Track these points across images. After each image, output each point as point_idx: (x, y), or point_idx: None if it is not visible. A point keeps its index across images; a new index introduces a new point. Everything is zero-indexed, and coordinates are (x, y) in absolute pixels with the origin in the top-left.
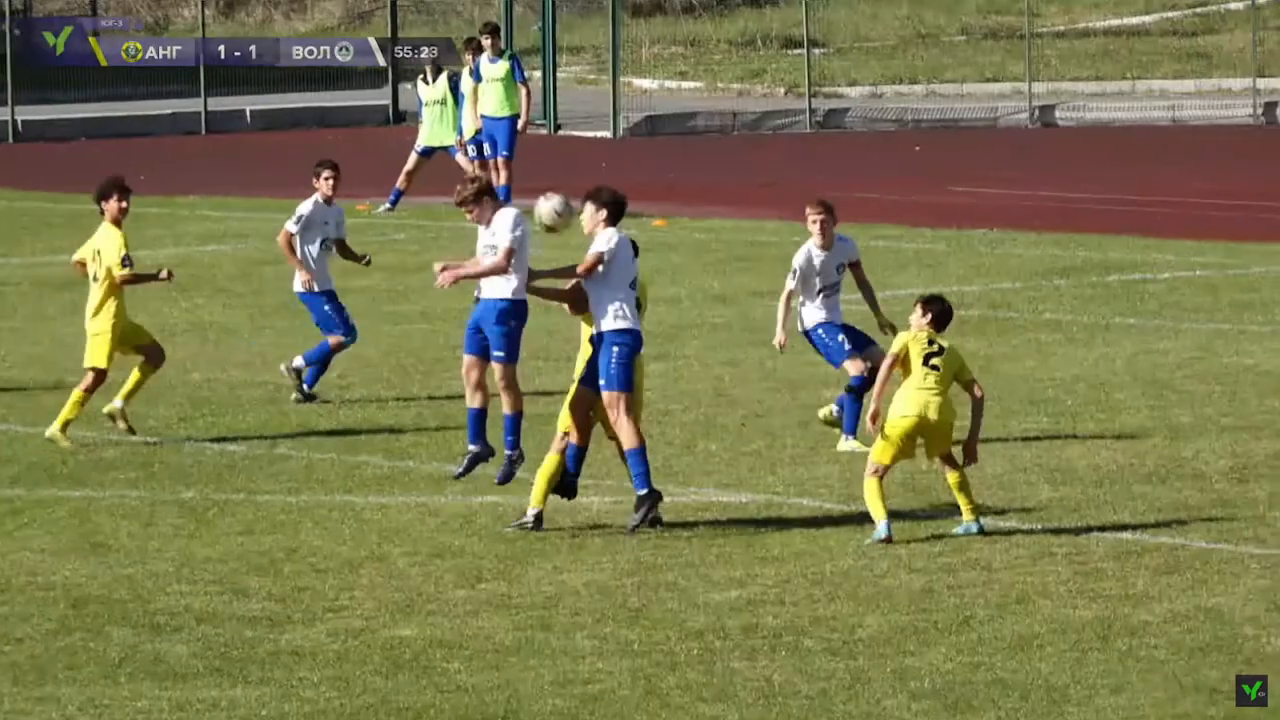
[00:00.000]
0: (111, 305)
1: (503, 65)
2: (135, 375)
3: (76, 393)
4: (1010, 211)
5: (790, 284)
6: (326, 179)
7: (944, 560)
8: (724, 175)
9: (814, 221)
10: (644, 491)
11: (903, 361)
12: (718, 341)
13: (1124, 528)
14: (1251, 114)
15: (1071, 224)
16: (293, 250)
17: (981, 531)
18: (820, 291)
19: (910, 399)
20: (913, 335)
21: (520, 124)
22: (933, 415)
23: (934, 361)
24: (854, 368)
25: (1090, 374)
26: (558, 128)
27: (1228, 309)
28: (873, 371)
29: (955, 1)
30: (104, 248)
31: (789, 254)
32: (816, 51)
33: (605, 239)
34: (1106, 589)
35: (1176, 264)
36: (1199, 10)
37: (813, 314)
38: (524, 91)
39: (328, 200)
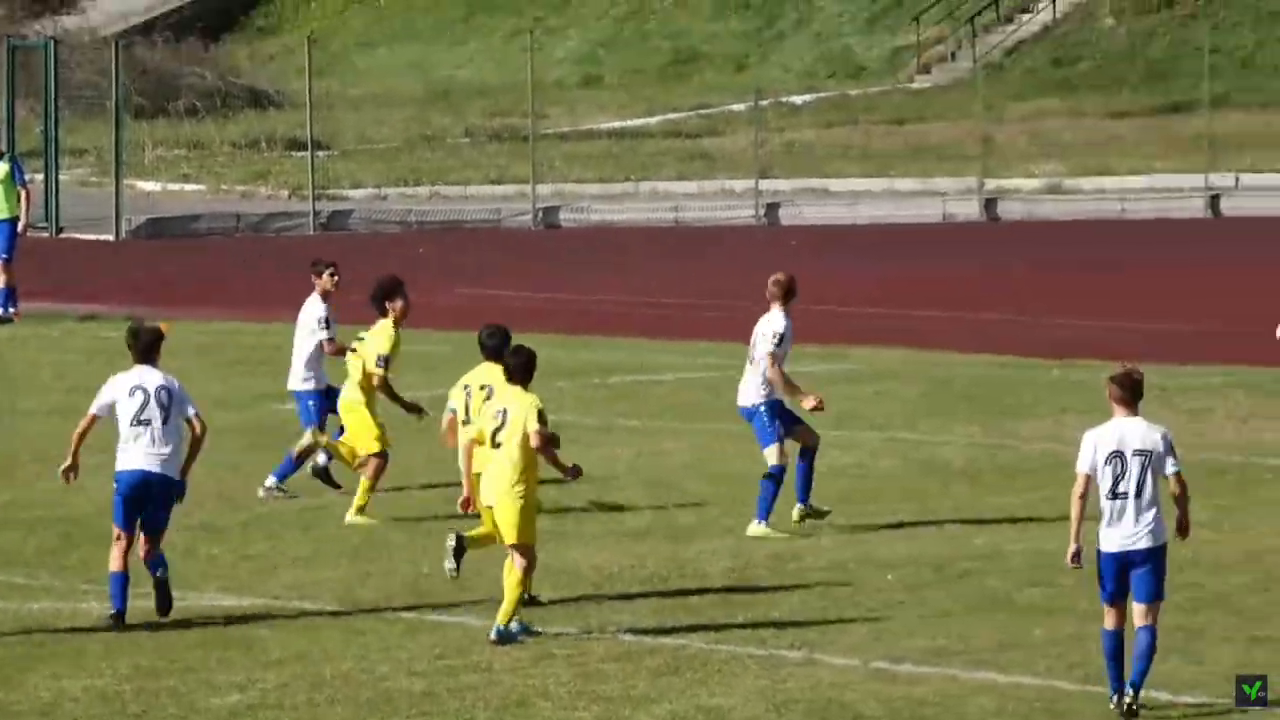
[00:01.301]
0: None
1: (2, 168)
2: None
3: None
4: (516, 313)
5: (777, 349)
6: (333, 276)
7: (445, 663)
8: (227, 277)
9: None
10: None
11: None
12: (220, 445)
13: (625, 629)
14: (754, 214)
15: (575, 325)
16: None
17: (503, 637)
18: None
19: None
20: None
21: (20, 226)
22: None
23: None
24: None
25: (593, 474)
26: (59, 230)
27: (730, 410)
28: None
29: (460, 104)
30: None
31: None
32: (321, 154)
33: None
34: (607, 691)
35: (680, 365)
36: (702, 112)
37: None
38: (24, 194)
39: (325, 296)
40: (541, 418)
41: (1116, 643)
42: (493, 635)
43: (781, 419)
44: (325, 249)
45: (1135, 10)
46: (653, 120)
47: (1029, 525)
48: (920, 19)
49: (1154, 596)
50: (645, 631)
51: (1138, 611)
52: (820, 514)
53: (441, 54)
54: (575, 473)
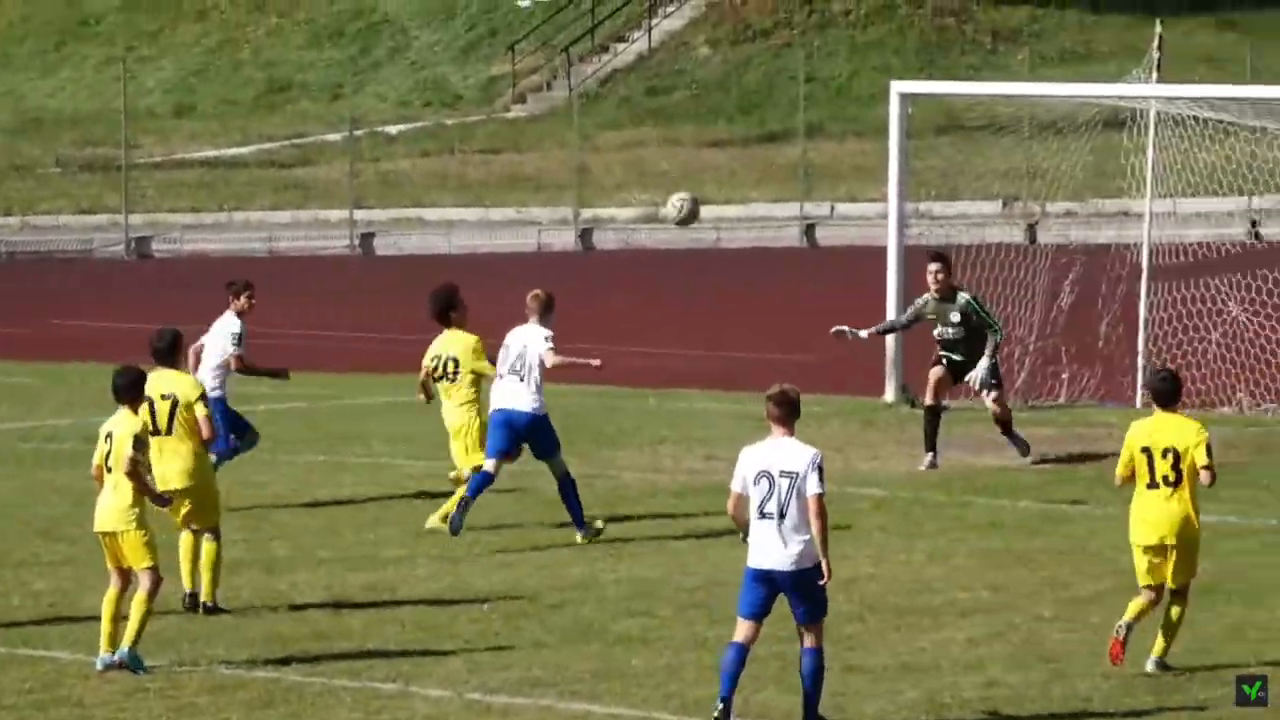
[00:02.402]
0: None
1: None
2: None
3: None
4: (107, 343)
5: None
6: (250, 298)
7: (35, 697)
8: None
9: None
10: None
11: None
12: None
13: (220, 662)
14: (349, 245)
15: None
16: (252, 368)
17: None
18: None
19: None
20: None
21: None
22: None
23: None
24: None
25: None
26: None
27: (325, 441)
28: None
29: (51, 133)
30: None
31: None
32: None
33: None
34: None
35: (270, 396)
36: (296, 141)
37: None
38: None
39: (241, 314)
40: (138, 444)
41: (738, 656)
42: (116, 658)
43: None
44: None
45: (730, 39)
46: (246, 150)
47: (625, 554)
48: (515, 48)
49: (813, 617)
50: (239, 664)
51: (803, 633)
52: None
53: (33, 82)
54: (164, 501)
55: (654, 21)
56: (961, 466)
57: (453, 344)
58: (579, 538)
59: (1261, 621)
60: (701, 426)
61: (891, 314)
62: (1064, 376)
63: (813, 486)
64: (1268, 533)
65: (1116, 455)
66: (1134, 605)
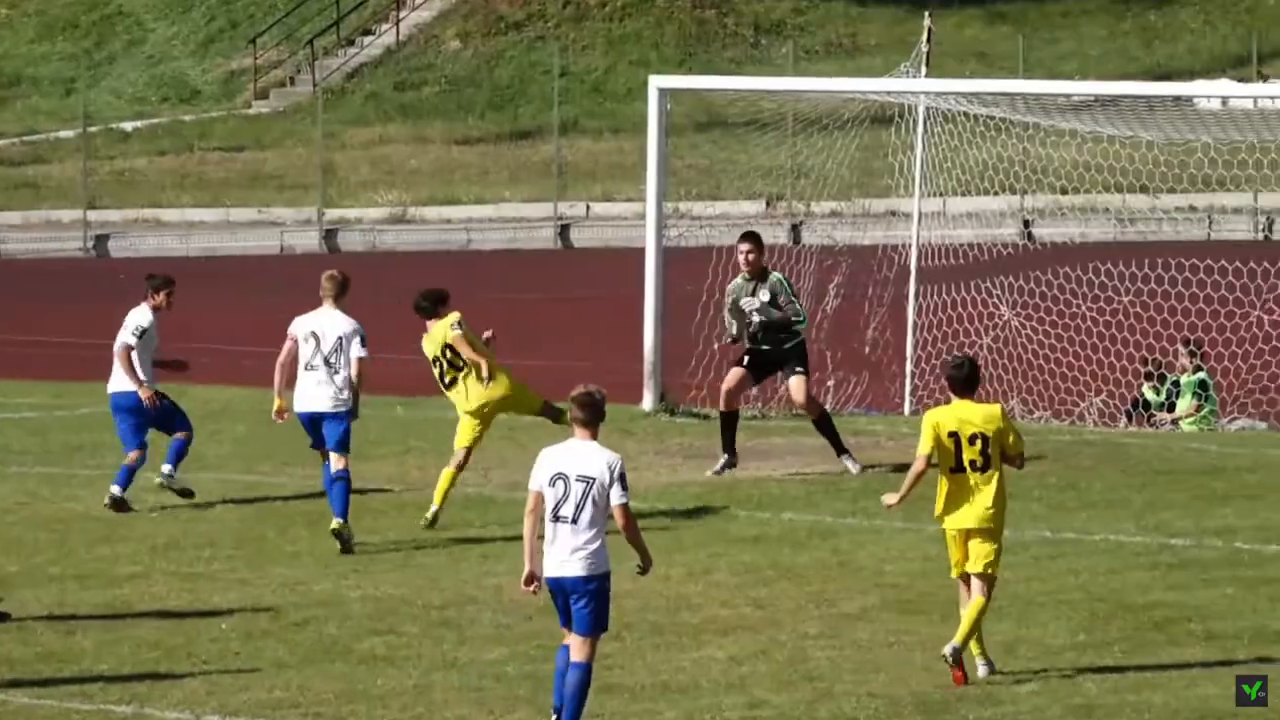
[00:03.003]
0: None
1: None
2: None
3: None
4: None
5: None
6: (168, 295)
7: None
8: None
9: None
10: None
11: None
12: None
13: None
14: (82, 246)
15: None
16: (130, 363)
17: None
18: None
19: None
20: None
21: None
22: None
23: None
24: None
25: None
26: None
27: (57, 452)
28: None
29: None
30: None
31: None
32: None
33: None
34: None
35: (1, 405)
36: (27, 139)
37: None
38: None
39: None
40: None
41: (567, 659)
42: None
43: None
44: None
45: (482, 32)
46: None
47: (371, 571)
48: (257, 41)
49: (589, 629)
50: None
51: (573, 645)
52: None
53: None
54: None
55: (402, 14)
56: (725, 478)
57: (439, 334)
58: (335, 523)
59: (1034, 638)
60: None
61: (650, 318)
62: (830, 384)
63: (617, 496)
64: (1038, 545)
65: (884, 465)
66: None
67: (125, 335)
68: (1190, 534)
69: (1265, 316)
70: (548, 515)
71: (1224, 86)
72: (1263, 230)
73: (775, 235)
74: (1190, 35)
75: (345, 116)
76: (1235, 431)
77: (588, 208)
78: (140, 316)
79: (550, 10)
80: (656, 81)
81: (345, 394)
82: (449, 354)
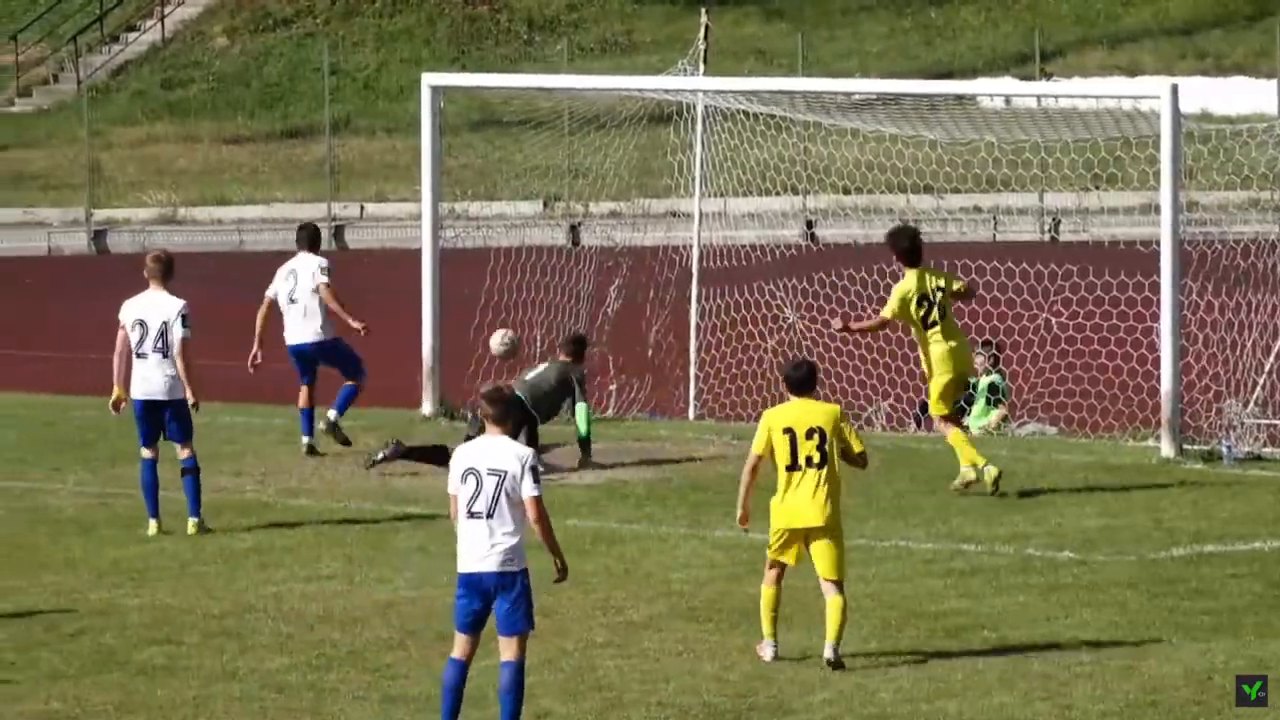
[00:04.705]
0: None
1: None
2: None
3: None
4: None
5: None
6: None
7: None
8: None
9: None
10: None
11: None
12: None
13: None
14: None
15: None
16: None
17: None
18: None
19: None
20: None
21: None
22: None
23: None
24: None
25: None
26: None
27: None
28: None
29: None
30: None
31: None
32: None
33: None
34: None
35: None
36: None
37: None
38: None
39: None
40: None
41: (456, 674)
42: None
43: None
44: None
45: (250, 28)
46: None
47: (147, 580)
48: (18, 37)
49: (514, 627)
50: None
51: (502, 646)
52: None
53: None
54: None
55: (167, 9)
56: None
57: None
58: (191, 525)
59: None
60: (226, 441)
61: (428, 320)
62: (612, 388)
63: (528, 489)
64: None
65: (674, 464)
66: (765, 600)
67: (325, 277)
68: (982, 540)
69: (1054, 319)
70: (462, 513)
71: (1007, 85)
72: (1049, 231)
73: (553, 236)
74: (972, 33)
75: (111, 115)
76: (1026, 436)
77: (362, 208)
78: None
79: (319, 6)
80: (429, 79)
81: (178, 380)
82: None
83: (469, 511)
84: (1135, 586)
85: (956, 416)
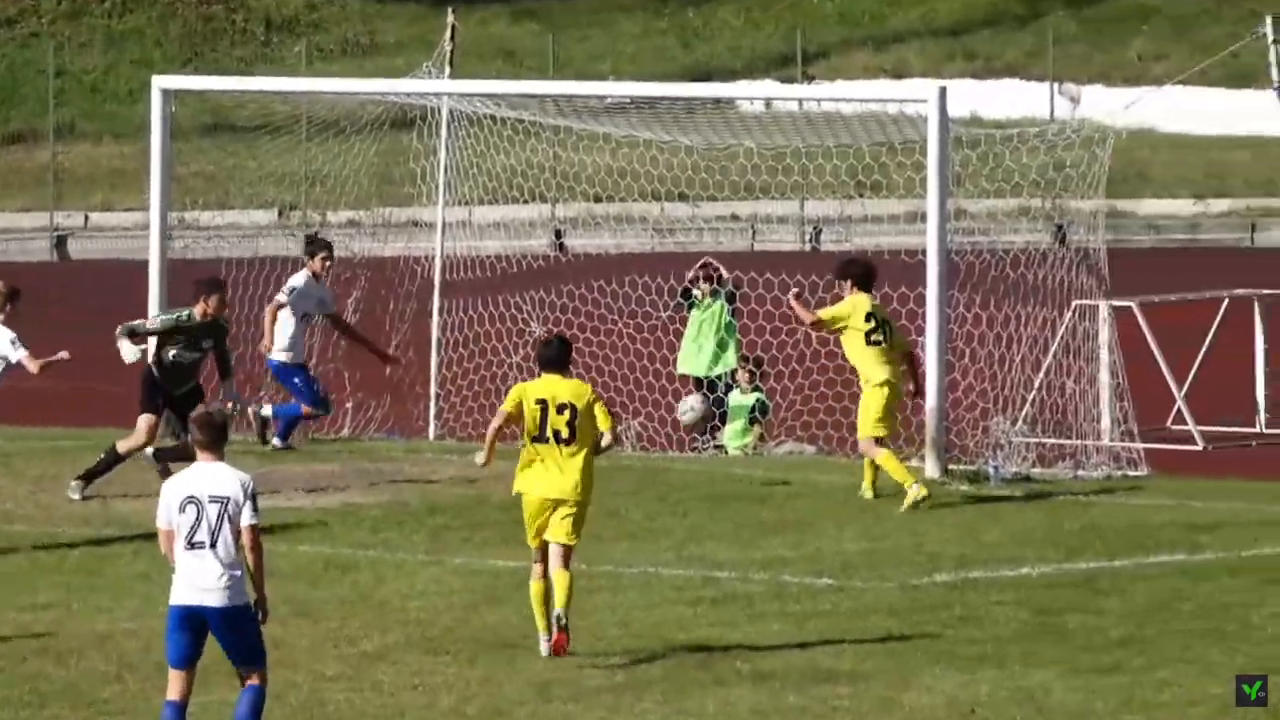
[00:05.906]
0: None
1: None
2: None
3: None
4: None
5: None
6: (323, 260)
7: None
8: None
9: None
10: None
11: None
12: None
13: None
14: None
15: None
16: (274, 321)
17: None
18: None
19: None
20: None
21: None
22: None
23: None
24: None
25: None
26: None
27: None
28: None
29: None
30: None
31: None
32: None
33: None
34: None
35: None
36: None
37: None
38: None
39: (316, 278)
40: None
41: (176, 716)
42: None
43: None
44: None
45: None
46: None
47: None
48: None
49: (249, 660)
50: None
51: (246, 675)
52: None
53: None
54: None
55: None
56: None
57: None
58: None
59: (569, 679)
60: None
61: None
62: (349, 406)
63: (248, 516)
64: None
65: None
66: (534, 595)
67: (280, 295)
68: (736, 566)
69: (814, 334)
70: (180, 545)
71: (767, 88)
72: (810, 240)
73: (288, 246)
74: (731, 34)
75: None
76: (783, 456)
77: (86, 218)
78: (295, 279)
79: (45, 6)
80: (159, 82)
81: None
82: None
83: (189, 542)
84: (896, 614)
85: (886, 440)
